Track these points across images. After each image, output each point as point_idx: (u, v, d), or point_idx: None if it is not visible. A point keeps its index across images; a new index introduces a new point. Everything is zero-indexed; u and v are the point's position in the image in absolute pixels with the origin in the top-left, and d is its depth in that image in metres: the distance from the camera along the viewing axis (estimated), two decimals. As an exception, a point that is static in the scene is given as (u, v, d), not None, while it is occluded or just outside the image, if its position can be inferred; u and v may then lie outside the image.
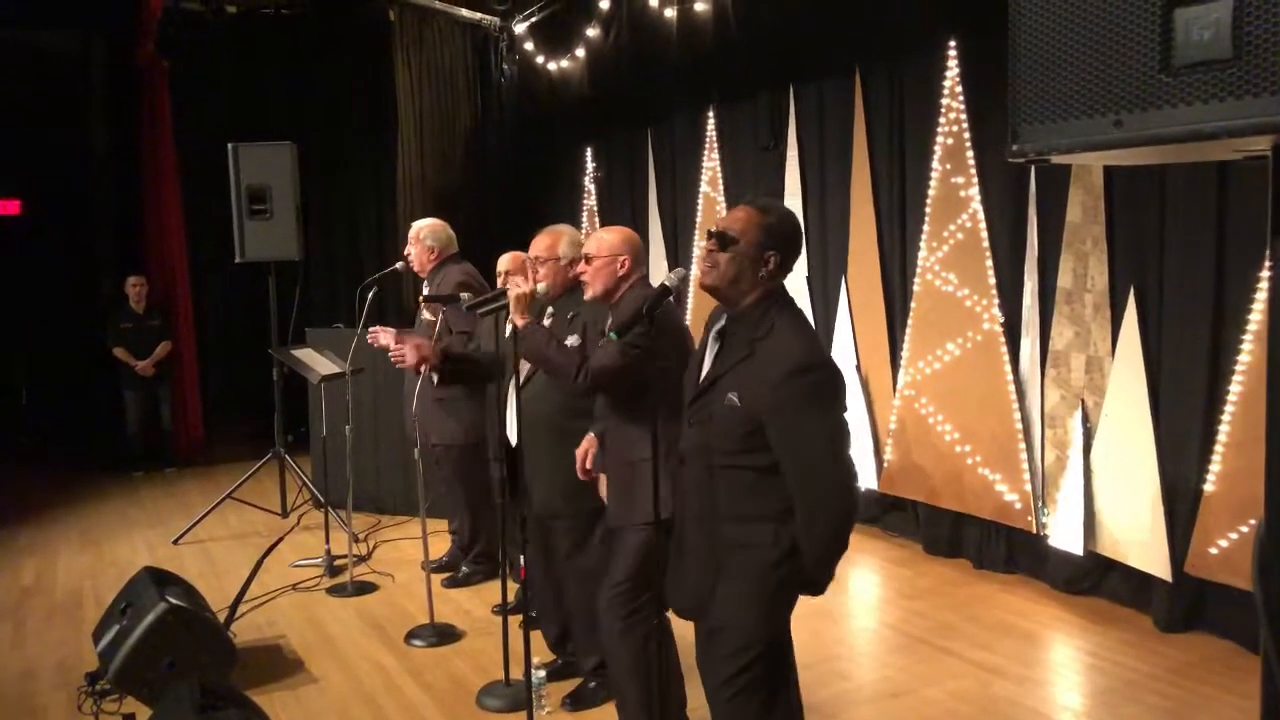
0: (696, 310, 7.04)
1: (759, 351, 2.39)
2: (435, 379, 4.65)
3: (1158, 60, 1.27)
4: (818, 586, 2.48)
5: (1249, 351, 3.90)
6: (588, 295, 3.32)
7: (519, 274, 4.27)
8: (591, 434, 3.34)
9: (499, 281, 4.38)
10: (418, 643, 4.46)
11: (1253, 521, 3.90)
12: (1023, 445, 4.90)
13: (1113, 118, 1.31)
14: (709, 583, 2.46)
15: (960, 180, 5.13)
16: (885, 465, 5.70)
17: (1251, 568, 1.36)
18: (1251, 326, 3.89)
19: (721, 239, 2.44)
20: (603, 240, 3.27)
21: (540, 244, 3.69)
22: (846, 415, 2.46)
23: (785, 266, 2.48)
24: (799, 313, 2.51)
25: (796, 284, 6.03)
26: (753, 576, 2.42)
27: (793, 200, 6.24)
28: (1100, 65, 1.34)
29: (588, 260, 3.27)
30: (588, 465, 3.33)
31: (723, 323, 2.53)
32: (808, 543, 2.39)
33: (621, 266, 3.23)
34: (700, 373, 2.53)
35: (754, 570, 2.42)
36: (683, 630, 3.36)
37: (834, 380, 2.41)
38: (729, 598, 2.44)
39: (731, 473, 2.42)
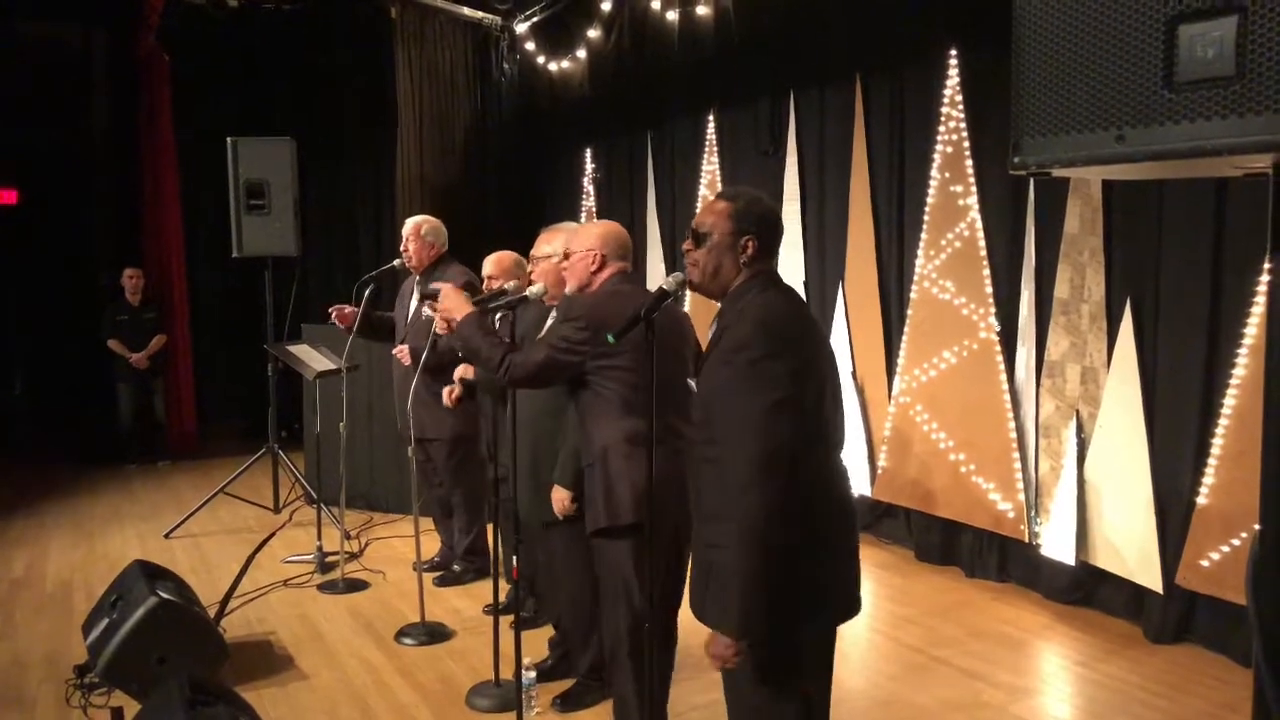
0: (693, 314, 7.02)
1: (723, 338, 2.35)
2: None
3: (1161, 76, 1.28)
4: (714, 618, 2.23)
5: (1244, 365, 3.91)
6: (567, 290, 3.34)
7: (501, 276, 4.27)
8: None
9: (485, 285, 4.37)
10: (408, 641, 4.46)
11: (1244, 535, 3.91)
12: (1017, 454, 4.91)
13: (1115, 132, 1.31)
14: (702, 583, 2.42)
15: (959, 189, 5.14)
16: (879, 472, 5.71)
17: (1245, 581, 1.36)
18: (1247, 340, 3.90)
19: (695, 236, 2.43)
20: (579, 235, 3.30)
21: (538, 242, 3.71)
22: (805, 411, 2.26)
23: (767, 249, 2.43)
24: (783, 292, 2.42)
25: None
26: (723, 580, 2.25)
27: (791, 206, 6.24)
28: (1104, 80, 1.34)
29: (566, 257, 3.30)
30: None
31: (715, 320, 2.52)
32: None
33: (594, 261, 3.23)
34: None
35: (724, 573, 2.26)
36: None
37: (774, 361, 2.21)
38: (710, 600, 2.32)
39: (705, 467, 2.32)
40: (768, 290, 2.39)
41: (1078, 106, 1.36)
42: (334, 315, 5.10)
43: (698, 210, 7.00)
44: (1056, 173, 1.43)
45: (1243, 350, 3.92)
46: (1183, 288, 4.16)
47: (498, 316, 3.65)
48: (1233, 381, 3.95)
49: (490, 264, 4.39)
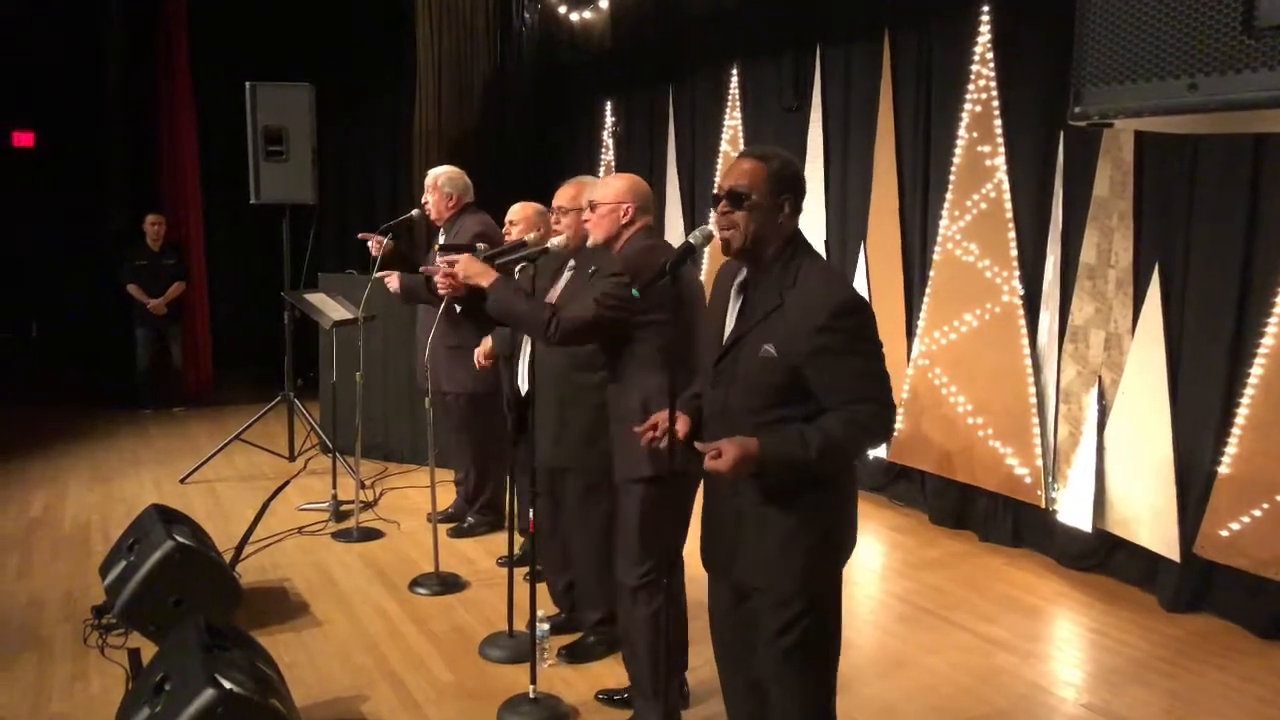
0: (712, 270, 6.97)
1: (790, 300, 2.32)
2: (458, 308, 4.66)
3: (1240, 20, 1.21)
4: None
5: (1273, 334, 3.85)
6: (590, 241, 3.30)
7: (522, 224, 4.23)
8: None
9: (506, 231, 4.34)
10: (422, 591, 4.48)
11: (1266, 506, 3.88)
12: (1036, 419, 4.87)
13: (1187, 81, 1.24)
14: (744, 542, 2.40)
15: (986, 149, 5.05)
16: (895, 434, 5.67)
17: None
18: (1278, 309, 3.83)
19: (734, 197, 2.37)
20: (608, 187, 3.25)
21: (564, 194, 3.64)
22: None
23: (798, 209, 2.43)
24: (820, 255, 2.48)
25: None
26: (786, 534, 2.35)
27: (814, 163, 6.15)
28: (1176, 24, 1.27)
29: (592, 207, 3.24)
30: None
31: (743, 276, 2.47)
32: (842, 433, 2.30)
33: (625, 214, 3.19)
34: (724, 332, 2.46)
35: (787, 527, 2.35)
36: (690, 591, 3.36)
37: (874, 321, 2.40)
38: (763, 559, 2.38)
39: (766, 430, 2.32)
40: (809, 255, 2.42)
41: (1146, 53, 1.29)
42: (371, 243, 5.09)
43: (719, 166, 7.00)
44: (1120, 124, 1.36)
45: (1273, 320, 3.85)
46: (1213, 254, 4.08)
47: (518, 268, 3.60)
48: (1260, 350, 3.90)
49: (514, 212, 4.35)
